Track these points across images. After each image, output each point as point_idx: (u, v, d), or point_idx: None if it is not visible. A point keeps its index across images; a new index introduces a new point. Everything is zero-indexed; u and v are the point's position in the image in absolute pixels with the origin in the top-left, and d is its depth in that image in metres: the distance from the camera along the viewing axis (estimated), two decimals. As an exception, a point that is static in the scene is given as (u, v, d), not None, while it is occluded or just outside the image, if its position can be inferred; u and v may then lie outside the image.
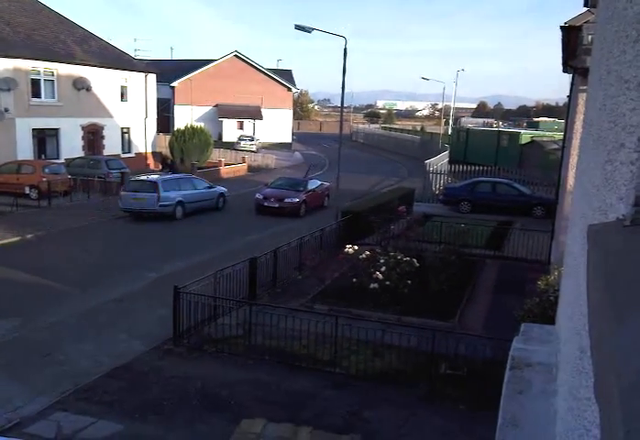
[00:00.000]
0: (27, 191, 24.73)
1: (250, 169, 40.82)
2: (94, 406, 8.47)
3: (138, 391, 8.97)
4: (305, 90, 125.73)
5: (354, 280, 13.48)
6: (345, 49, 21.62)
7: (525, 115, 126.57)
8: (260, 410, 8.39)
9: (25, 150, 29.39)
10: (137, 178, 23.76)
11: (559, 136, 31.50)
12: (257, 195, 24.31)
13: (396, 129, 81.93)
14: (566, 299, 2.54)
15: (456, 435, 7.97)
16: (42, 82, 30.61)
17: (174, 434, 7.85)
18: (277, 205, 23.58)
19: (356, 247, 14.34)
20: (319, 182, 26.65)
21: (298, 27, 21.70)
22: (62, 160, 30.38)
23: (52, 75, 31.00)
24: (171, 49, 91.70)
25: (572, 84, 13.36)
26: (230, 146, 48.68)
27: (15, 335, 11.06)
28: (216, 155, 41.18)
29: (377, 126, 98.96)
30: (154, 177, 23.76)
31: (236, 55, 56.20)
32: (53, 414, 8.19)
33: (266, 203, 23.75)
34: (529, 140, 40.76)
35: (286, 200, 23.72)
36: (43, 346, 10.56)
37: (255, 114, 55.65)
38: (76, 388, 9.00)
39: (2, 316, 11.95)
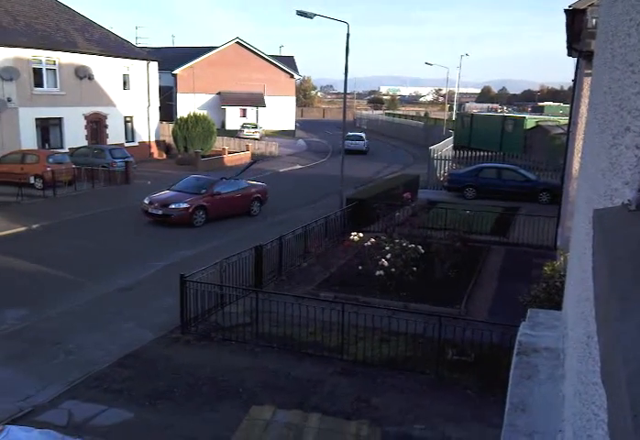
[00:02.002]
0: (31, 180, 24.80)
1: (254, 156, 40.76)
2: (105, 394, 8.57)
3: (148, 379, 9.06)
4: (308, 76, 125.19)
5: (360, 267, 13.52)
6: (347, 35, 21.47)
7: (530, 99, 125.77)
8: (269, 396, 8.47)
9: (28, 140, 29.41)
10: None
11: (564, 120, 31.30)
12: (144, 200, 19.97)
13: (400, 115, 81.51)
14: (572, 284, 2.55)
15: (464, 421, 8.03)
16: (44, 72, 30.54)
17: (184, 422, 7.93)
18: (160, 212, 19.20)
19: (361, 235, 14.36)
20: (246, 184, 21.69)
21: (300, 13, 21.55)
22: (66, 150, 30.39)
23: (54, 64, 30.92)
24: (173, 36, 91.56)
25: (577, 68, 13.27)
26: (233, 134, 48.58)
27: (24, 325, 11.16)
28: (220, 143, 41.12)
29: (380, 112, 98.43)
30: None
31: (238, 42, 55.87)
32: (64, 403, 8.29)
33: (150, 210, 19.48)
34: (534, 125, 40.49)
35: (171, 206, 19.17)
36: (52, 336, 10.65)
37: (258, 101, 55.44)
38: (86, 376, 9.10)
39: (11, 306, 12.06)
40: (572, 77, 15.23)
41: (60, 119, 31.53)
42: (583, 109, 11.83)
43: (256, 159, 24.28)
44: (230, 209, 20.49)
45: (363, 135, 47.56)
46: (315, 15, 21.57)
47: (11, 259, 15.26)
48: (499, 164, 27.85)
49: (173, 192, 20.11)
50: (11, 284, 13.49)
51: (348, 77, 22.35)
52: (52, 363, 9.62)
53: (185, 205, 19.20)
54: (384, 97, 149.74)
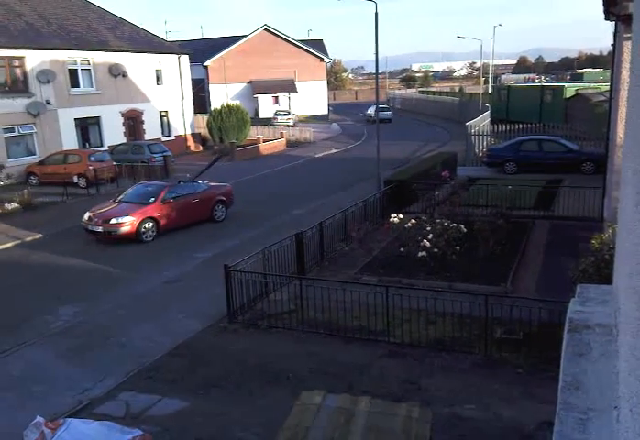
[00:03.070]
0: (75, 180, 25.44)
1: (289, 143, 40.84)
2: (159, 384, 8.78)
3: (200, 368, 9.25)
4: (338, 59, 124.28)
5: (401, 249, 13.43)
6: (376, 14, 21.17)
7: (569, 67, 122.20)
8: (318, 381, 8.53)
9: (69, 140, 30.14)
10: None
11: (606, 87, 30.28)
12: (85, 215, 17.40)
13: (434, 92, 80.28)
14: (622, 257, 2.46)
15: (516, 400, 7.94)
16: (79, 72, 31.16)
17: (237, 409, 8.07)
18: (100, 229, 16.79)
19: (401, 216, 14.24)
20: (206, 186, 19.25)
21: (326, -4, 21.33)
22: (106, 148, 31.05)
23: (88, 64, 31.50)
24: (202, 27, 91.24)
25: (615, 32, 12.76)
26: (267, 122, 48.71)
27: (77, 320, 11.52)
28: (254, 132, 41.32)
29: (413, 90, 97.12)
30: None
31: (266, 29, 55.80)
32: (121, 394, 8.53)
33: (89, 227, 17.04)
34: (574, 94, 39.29)
35: (112, 221, 16.72)
36: (105, 330, 10.96)
37: (289, 87, 55.37)
38: (140, 368, 9.34)
39: (66, 302, 12.45)
40: (611, 42, 14.67)
41: (97, 118, 32.17)
42: (625, 75, 11.40)
43: (219, 154, 21.20)
44: (187, 217, 18.11)
45: (389, 107, 61.65)
46: (342, -4, 21.32)
47: (62, 257, 15.72)
48: (539, 136, 27.15)
49: (119, 203, 17.71)
50: (65, 280, 13.92)
51: (379, 57, 22.07)
52: (107, 356, 9.91)
53: (129, 219, 16.69)
54: (416, 75, 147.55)
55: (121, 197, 18.18)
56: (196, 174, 19.82)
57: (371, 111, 53.90)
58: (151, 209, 17.22)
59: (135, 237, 16.73)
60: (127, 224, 16.65)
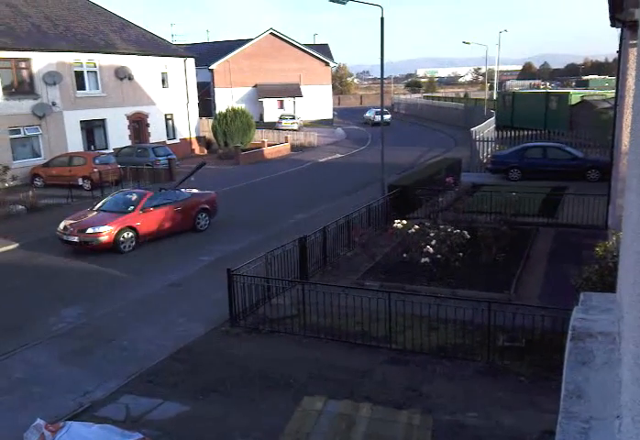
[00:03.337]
0: (80, 182, 25.52)
1: (293, 148, 40.87)
2: (160, 388, 8.77)
3: (201, 372, 9.23)
4: (343, 63, 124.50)
5: (404, 254, 13.41)
6: (382, 19, 21.20)
7: (574, 73, 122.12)
8: (319, 387, 8.51)
9: (75, 142, 30.24)
10: None
11: (611, 93, 30.24)
12: (60, 224, 16.76)
13: (439, 98, 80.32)
14: (626, 265, 2.45)
15: (518, 408, 7.89)
16: (86, 74, 31.28)
17: (238, 413, 8.05)
18: (76, 239, 16.08)
19: (405, 222, 14.22)
20: (188, 194, 18.56)
21: (333, 0, 21.36)
22: (111, 150, 31.13)
23: (94, 66, 31.62)
24: (207, 31, 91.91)
25: (621, 39, 12.74)
26: (272, 126, 48.78)
27: (80, 323, 11.52)
28: (259, 136, 41.39)
29: (418, 95, 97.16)
30: None
31: (271, 33, 55.91)
32: (121, 397, 8.52)
33: (64, 237, 16.32)
34: (579, 100, 39.27)
35: (89, 231, 16.06)
36: (107, 332, 10.96)
37: (294, 92, 55.46)
38: (141, 371, 9.33)
39: (68, 304, 12.47)
40: (617, 48, 14.66)
41: (103, 121, 32.28)
42: (630, 81, 11.39)
43: (203, 161, 21.15)
44: (168, 226, 17.49)
45: (387, 111, 58.75)
46: (348, 0, 21.34)
47: (66, 259, 15.75)
48: (544, 143, 27.11)
49: (97, 212, 17.09)
50: (67, 283, 13.94)
51: (384, 62, 22.09)
52: (108, 359, 9.90)
53: (107, 228, 16.02)
54: (422, 80, 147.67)
55: (99, 205, 17.54)
56: (178, 182, 19.35)
57: (369, 114, 59.60)
58: (130, 218, 16.56)
59: (113, 248, 16.07)
60: (105, 233, 15.96)
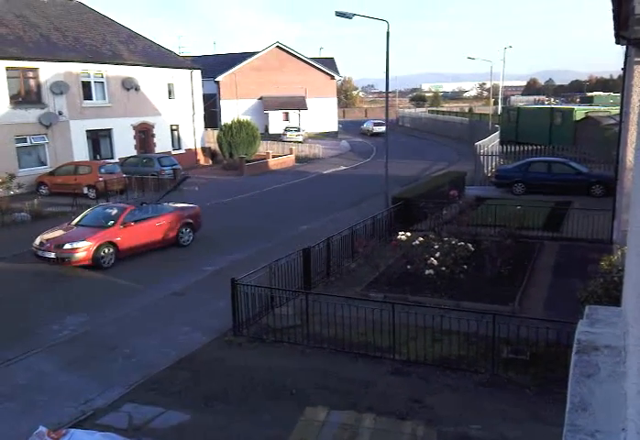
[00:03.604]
0: (85, 191, 25.63)
1: (298, 159, 41.02)
2: (162, 397, 8.76)
3: (203, 381, 9.23)
4: (349, 77, 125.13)
5: (408, 266, 13.42)
6: (387, 34, 21.37)
7: (579, 89, 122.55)
8: (322, 397, 8.50)
9: (80, 152, 30.42)
10: None
11: (616, 110, 30.31)
12: (36, 240, 16.04)
13: (443, 112, 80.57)
14: (632, 279, 2.47)
15: (522, 421, 7.86)
16: (93, 85, 31.54)
17: (240, 423, 8.04)
18: (52, 255, 15.33)
19: (409, 234, 14.25)
20: (171, 208, 18.04)
21: (339, 14, 21.55)
22: (117, 160, 31.28)
23: (102, 77, 31.88)
24: (214, 43, 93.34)
25: (626, 56, 12.82)
26: (277, 138, 48.99)
27: (83, 330, 11.53)
28: (264, 147, 41.58)
29: (423, 109, 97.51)
30: None
31: (278, 46, 56.35)
32: (124, 406, 8.51)
33: (40, 253, 15.59)
34: (583, 116, 39.36)
35: (66, 246, 15.33)
36: (110, 340, 10.97)
37: (300, 104, 55.75)
38: (144, 380, 9.33)
39: (71, 312, 12.48)
40: (622, 66, 14.75)
41: (109, 130, 32.48)
42: (635, 98, 11.45)
43: (187, 174, 20.53)
44: (150, 241, 16.90)
45: (384, 123, 62.54)
46: (354, 14, 21.54)
47: (69, 268, 15.78)
48: (548, 158, 27.17)
49: (75, 227, 16.47)
50: (70, 291, 13.97)
51: (389, 76, 22.24)
52: (111, 367, 9.90)
53: (85, 244, 15.31)
54: (426, 94, 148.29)
55: (77, 220, 16.88)
56: (160, 196, 18.99)
57: (367, 125, 66.00)
58: (110, 233, 15.92)
59: (92, 264, 15.36)
60: (83, 249, 15.22)
